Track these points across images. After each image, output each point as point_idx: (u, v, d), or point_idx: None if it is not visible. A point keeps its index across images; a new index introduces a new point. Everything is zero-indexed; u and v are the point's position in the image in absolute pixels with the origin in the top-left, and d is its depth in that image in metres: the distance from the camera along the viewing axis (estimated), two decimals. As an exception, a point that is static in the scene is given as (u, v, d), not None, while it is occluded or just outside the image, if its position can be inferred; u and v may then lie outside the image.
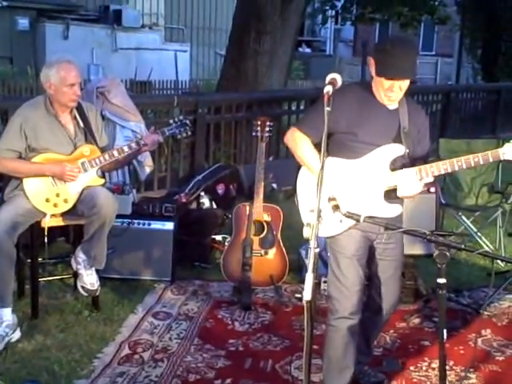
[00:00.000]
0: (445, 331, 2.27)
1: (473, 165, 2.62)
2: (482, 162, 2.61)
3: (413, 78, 2.63)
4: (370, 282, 2.94)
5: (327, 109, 2.21)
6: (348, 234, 2.75)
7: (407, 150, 2.73)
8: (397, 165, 2.73)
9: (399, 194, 2.70)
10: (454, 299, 4.14)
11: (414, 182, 2.64)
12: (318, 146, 2.75)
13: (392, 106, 2.76)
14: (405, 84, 2.66)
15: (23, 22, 15.44)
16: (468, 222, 4.96)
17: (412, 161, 2.75)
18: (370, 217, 2.51)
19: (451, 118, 9.49)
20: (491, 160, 2.61)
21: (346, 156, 2.74)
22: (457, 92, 9.86)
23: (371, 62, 2.67)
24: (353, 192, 2.73)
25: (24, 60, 14.62)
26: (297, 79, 17.99)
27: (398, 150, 2.73)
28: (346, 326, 2.75)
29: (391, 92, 2.66)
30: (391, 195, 2.75)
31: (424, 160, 2.79)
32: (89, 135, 3.66)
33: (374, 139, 2.71)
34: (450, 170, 2.65)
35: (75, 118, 3.66)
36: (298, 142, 2.79)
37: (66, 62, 3.55)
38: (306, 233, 2.53)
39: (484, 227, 5.11)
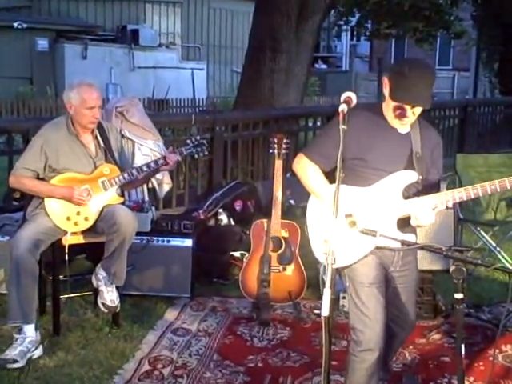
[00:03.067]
0: (463, 346, 2.28)
1: (489, 192, 2.56)
2: (499, 190, 2.56)
3: (428, 107, 2.55)
4: (385, 308, 2.91)
5: (343, 127, 2.22)
6: (364, 263, 2.69)
7: (420, 177, 2.66)
8: (410, 192, 2.68)
9: (413, 223, 2.64)
10: (473, 315, 4.11)
11: (428, 211, 2.57)
12: (327, 174, 2.73)
13: (403, 129, 2.69)
14: (418, 109, 2.60)
15: (43, 43, 15.72)
16: (487, 236, 4.93)
17: (425, 183, 2.70)
18: (384, 236, 2.48)
19: (469, 133, 9.45)
20: (509, 187, 2.55)
21: (356, 183, 2.67)
22: (474, 106, 9.82)
23: (386, 81, 2.62)
24: (365, 220, 2.64)
25: (44, 80, 14.89)
26: (313, 95, 18.07)
27: (411, 176, 2.67)
28: (370, 358, 2.69)
29: (404, 117, 2.60)
30: (404, 224, 2.69)
31: (437, 182, 2.74)
32: (109, 155, 3.73)
33: (384, 165, 2.65)
34: (465, 199, 2.60)
35: (96, 137, 3.73)
36: (307, 170, 2.74)
37: (86, 84, 3.63)
38: (322, 252, 2.52)
39: (503, 242, 5.08)
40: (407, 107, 2.57)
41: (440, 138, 2.86)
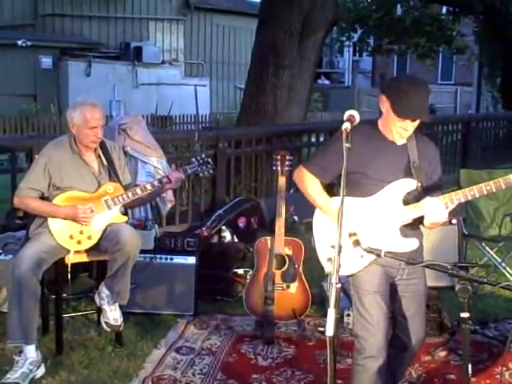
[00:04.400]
0: (469, 365, 2.25)
1: (485, 193, 2.67)
2: (494, 190, 2.66)
3: (429, 120, 2.67)
4: (394, 319, 2.91)
5: (346, 145, 2.25)
6: (369, 271, 2.74)
7: (419, 184, 2.75)
8: (410, 199, 2.75)
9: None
10: (479, 332, 4.08)
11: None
12: (327, 186, 2.81)
13: (400, 141, 2.78)
14: (416, 122, 2.69)
15: (46, 61, 15.84)
16: (492, 252, 4.90)
17: (426, 194, 2.75)
18: (389, 252, 2.50)
19: (472, 148, 9.44)
20: (504, 187, 2.64)
21: (358, 195, 2.75)
22: (477, 121, 9.82)
23: (384, 99, 2.71)
24: (369, 229, 2.73)
25: (48, 98, 14.96)
26: (316, 111, 18.10)
27: (410, 184, 2.75)
28: (373, 365, 2.72)
29: (404, 130, 2.70)
30: (407, 230, 2.76)
31: (438, 192, 2.79)
32: (112, 173, 3.72)
33: (384, 176, 2.74)
34: (469, 198, 2.68)
35: (99, 156, 3.73)
36: (308, 184, 2.83)
37: (89, 104, 3.63)
38: (328, 268, 2.57)
39: (508, 258, 5.05)
40: (409, 121, 2.66)
41: (437, 150, 2.96)
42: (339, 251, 2.10)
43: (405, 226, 2.76)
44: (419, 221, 2.80)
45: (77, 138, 3.65)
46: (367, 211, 2.75)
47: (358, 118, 2.40)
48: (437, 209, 2.65)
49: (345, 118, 2.38)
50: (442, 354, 3.85)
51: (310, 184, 2.83)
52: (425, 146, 2.85)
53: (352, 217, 2.70)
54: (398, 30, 14.35)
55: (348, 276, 2.78)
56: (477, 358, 3.71)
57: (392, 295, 2.85)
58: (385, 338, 2.73)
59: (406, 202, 2.75)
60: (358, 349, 2.76)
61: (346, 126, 2.31)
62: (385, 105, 2.71)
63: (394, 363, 2.96)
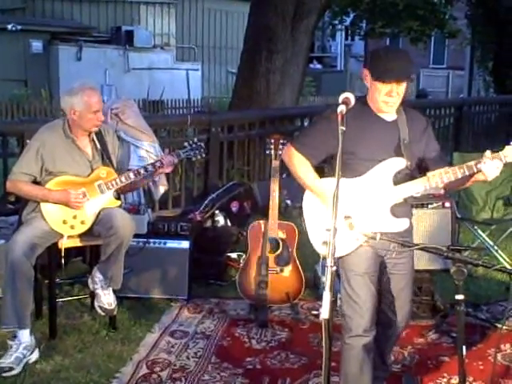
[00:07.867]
0: (464, 347, 2.26)
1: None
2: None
3: (409, 80, 2.65)
4: (381, 296, 2.92)
5: (342, 128, 2.23)
6: (358, 252, 2.74)
7: (409, 163, 2.72)
8: (400, 178, 2.73)
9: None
10: (472, 314, 4.10)
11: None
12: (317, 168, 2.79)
13: (390, 117, 2.75)
14: (401, 88, 2.66)
15: (37, 45, 15.67)
16: (484, 235, 4.93)
17: (432, 167, 2.74)
18: (384, 234, 2.49)
19: (464, 132, 9.45)
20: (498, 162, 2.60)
21: (348, 175, 2.70)
22: (469, 105, 9.83)
23: (366, 73, 2.69)
24: (360, 210, 2.71)
25: (38, 82, 14.82)
26: (308, 95, 18.04)
27: (399, 163, 2.72)
28: (360, 343, 2.76)
29: (389, 97, 2.65)
30: (398, 210, 2.74)
31: (445, 163, 2.77)
32: (106, 157, 3.70)
33: (374, 155, 2.71)
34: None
35: (93, 140, 3.70)
36: (297, 164, 2.81)
37: (89, 88, 3.58)
38: (318, 249, 2.59)
39: (500, 241, 5.08)
40: (392, 86, 2.62)
41: (429, 123, 2.91)
42: (334, 234, 2.09)
43: (395, 205, 2.74)
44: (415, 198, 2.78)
45: (77, 123, 3.59)
46: (358, 192, 2.73)
47: (353, 101, 2.38)
48: (496, 165, 2.61)
49: (340, 100, 2.35)
50: (435, 336, 3.88)
51: (299, 164, 2.80)
52: (415, 119, 2.82)
53: (343, 198, 2.64)
54: (390, 13, 14.29)
55: (338, 257, 2.75)
56: (469, 340, 3.73)
57: (380, 272, 2.86)
58: (372, 318, 2.76)
59: (396, 182, 2.72)
60: (344, 328, 2.79)
61: (342, 108, 2.29)
62: (367, 78, 2.69)
63: (379, 341, 2.97)
